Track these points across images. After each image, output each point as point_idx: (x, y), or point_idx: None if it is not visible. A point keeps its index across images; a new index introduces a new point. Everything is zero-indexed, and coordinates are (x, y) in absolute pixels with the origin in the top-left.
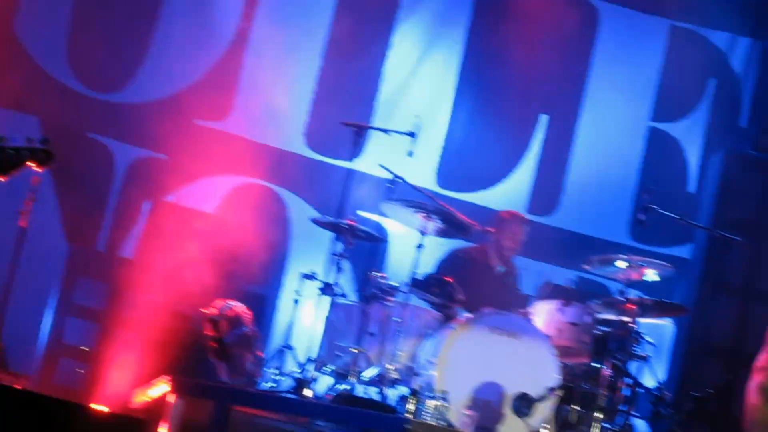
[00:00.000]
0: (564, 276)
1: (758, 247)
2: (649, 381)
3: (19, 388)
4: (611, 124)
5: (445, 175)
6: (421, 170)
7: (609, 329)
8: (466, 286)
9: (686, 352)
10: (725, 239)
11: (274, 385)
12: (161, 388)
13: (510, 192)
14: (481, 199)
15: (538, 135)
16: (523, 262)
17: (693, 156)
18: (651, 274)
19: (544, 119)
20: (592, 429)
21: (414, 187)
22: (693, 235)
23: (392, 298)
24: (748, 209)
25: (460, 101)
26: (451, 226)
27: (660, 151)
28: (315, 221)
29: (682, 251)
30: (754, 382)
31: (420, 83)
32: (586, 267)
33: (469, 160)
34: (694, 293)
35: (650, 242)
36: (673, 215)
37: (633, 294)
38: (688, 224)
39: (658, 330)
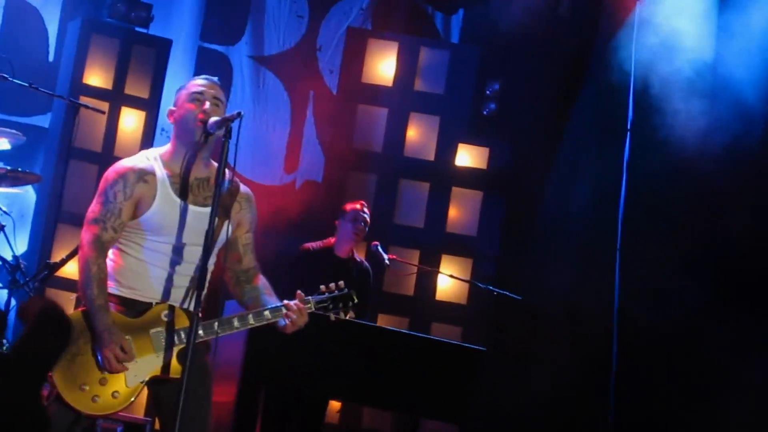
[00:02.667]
0: None
1: (117, 115)
2: (5, 251)
3: None
4: None
5: None
6: None
7: None
8: None
9: (45, 221)
10: (77, 106)
11: None
12: None
13: None
14: None
15: None
16: None
17: (52, 24)
18: (3, 143)
19: None
20: None
21: None
22: (52, 104)
23: None
24: (105, 77)
25: None
26: None
27: (19, 20)
28: None
29: (42, 120)
30: (89, 234)
31: None
32: None
33: None
34: (52, 162)
35: (9, 112)
36: (23, 83)
37: None
38: (41, 92)
39: (23, 199)
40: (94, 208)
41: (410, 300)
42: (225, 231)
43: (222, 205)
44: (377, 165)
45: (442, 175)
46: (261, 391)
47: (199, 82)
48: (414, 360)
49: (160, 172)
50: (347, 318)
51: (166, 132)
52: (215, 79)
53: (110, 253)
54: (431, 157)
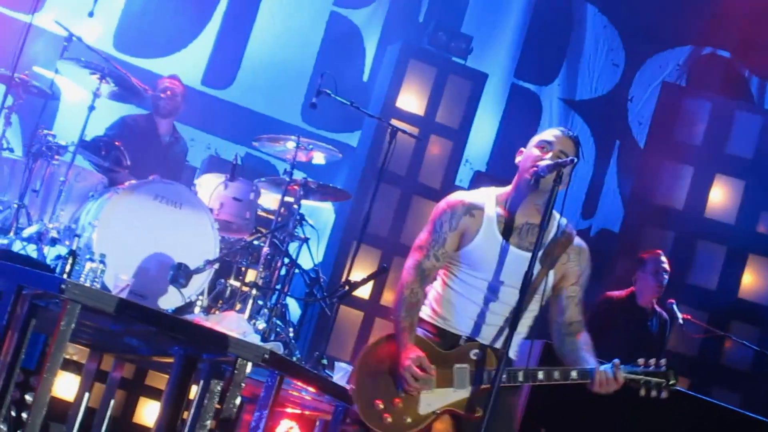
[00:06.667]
0: (233, 151)
1: (425, 142)
2: (306, 263)
3: None
4: (294, 4)
5: (122, 39)
6: (99, 31)
7: (272, 208)
8: (133, 153)
9: (344, 238)
10: (393, 130)
11: None
12: None
13: (186, 62)
14: (157, 66)
15: (220, 7)
16: (193, 134)
17: (371, 45)
18: (319, 158)
19: None
20: (246, 305)
21: (90, 48)
22: (362, 123)
23: (59, 157)
24: (419, 103)
25: None
26: (124, 90)
27: (340, 37)
28: None
29: (350, 138)
30: (412, 259)
31: None
32: (256, 144)
33: (149, 25)
34: (357, 180)
35: (320, 126)
36: (345, 101)
37: (298, 175)
38: (361, 112)
39: (320, 213)
40: (422, 236)
41: (693, 361)
42: (547, 279)
43: (549, 254)
44: (677, 223)
45: (740, 240)
46: None
47: (555, 133)
48: (691, 423)
49: (491, 209)
50: (660, 397)
51: (469, 163)
52: (572, 134)
53: (435, 283)
54: (732, 221)
